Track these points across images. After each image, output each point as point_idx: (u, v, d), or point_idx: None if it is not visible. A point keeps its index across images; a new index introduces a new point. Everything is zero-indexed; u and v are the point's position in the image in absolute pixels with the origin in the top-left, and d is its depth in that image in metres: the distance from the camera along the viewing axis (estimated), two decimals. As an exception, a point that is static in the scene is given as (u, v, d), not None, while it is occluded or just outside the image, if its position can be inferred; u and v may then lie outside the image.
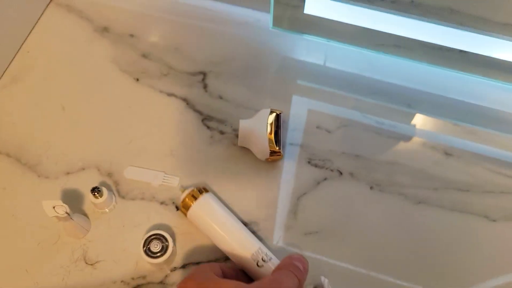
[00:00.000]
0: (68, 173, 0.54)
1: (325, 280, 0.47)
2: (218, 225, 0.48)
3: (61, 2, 0.66)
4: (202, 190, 0.50)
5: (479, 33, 0.57)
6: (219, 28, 0.65)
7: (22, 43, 0.63)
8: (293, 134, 0.57)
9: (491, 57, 0.59)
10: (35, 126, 0.57)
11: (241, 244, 0.47)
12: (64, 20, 0.65)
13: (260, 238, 0.50)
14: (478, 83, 0.63)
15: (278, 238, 0.51)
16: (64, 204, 0.46)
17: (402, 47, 0.63)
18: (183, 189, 0.51)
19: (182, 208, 0.50)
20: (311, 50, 0.64)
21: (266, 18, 0.66)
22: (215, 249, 0.50)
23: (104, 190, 0.50)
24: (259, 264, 0.46)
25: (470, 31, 0.57)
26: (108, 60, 0.62)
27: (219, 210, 0.49)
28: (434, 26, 0.58)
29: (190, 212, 0.49)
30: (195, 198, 0.49)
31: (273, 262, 0.47)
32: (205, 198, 0.50)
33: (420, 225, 0.52)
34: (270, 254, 0.47)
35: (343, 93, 0.61)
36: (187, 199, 0.49)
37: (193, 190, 0.50)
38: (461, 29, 0.57)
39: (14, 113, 0.58)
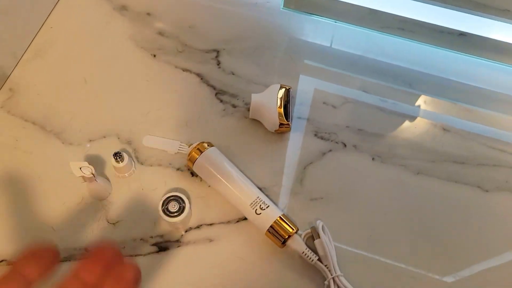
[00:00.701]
0: (90, 140, 0.58)
1: (320, 223, 0.51)
2: (221, 175, 0.53)
3: (81, -19, 0.70)
4: (208, 144, 0.54)
5: (479, 15, 0.60)
6: (231, 8, 0.69)
7: (46, 19, 0.66)
8: (300, 108, 0.61)
9: (489, 38, 0.63)
10: (59, 97, 0.61)
11: (241, 193, 0.52)
12: (84, -2, 0.69)
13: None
14: (475, 64, 0.66)
15: (285, 202, 0.55)
16: (90, 166, 0.50)
17: (406, 30, 0.66)
18: (190, 144, 0.55)
19: (189, 160, 0.54)
20: (318, 31, 0.68)
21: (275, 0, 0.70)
22: (227, 211, 0.54)
23: (125, 156, 0.54)
24: (257, 212, 0.50)
25: (470, 13, 0.61)
26: (126, 37, 0.65)
27: (222, 162, 0.54)
28: (437, 8, 0.61)
29: (195, 164, 0.53)
30: (201, 152, 0.53)
31: (271, 209, 0.51)
32: (209, 151, 0.54)
33: (418, 194, 0.56)
34: (268, 202, 0.51)
35: (348, 73, 0.64)
36: (193, 152, 0.54)
37: (198, 144, 0.54)
38: (462, 11, 0.61)
39: (38, 84, 0.61)
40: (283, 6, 0.69)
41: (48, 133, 0.58)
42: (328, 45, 0.67)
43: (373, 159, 0.58)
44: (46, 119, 0.59)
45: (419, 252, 0.53)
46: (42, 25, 0.66)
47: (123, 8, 0.68)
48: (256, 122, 0.59)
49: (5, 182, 0.55)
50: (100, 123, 0.59)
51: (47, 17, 0.66)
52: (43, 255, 0.33)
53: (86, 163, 0.50)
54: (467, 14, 0.62)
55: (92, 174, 0.50)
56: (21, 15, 0.62)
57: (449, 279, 0.52)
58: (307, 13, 0.69)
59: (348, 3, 0.65)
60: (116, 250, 0.34)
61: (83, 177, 0.50)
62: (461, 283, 0.52)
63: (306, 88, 0.63)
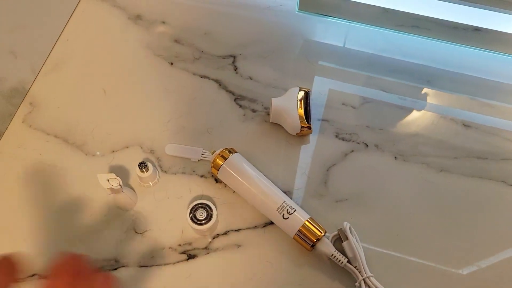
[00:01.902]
0: (113, 151, 0.58)
1: (347, 225, 0.51)
2: (246, 181, 0.53)
3: (94, -7, 0.70)
4: (231, 150, 0.54)
5: (493, 10, 0.60)
6: (245, 13, 0.69)
7: (61, 32, 0.66)
8: (320, 110, 0.61)
9: (504, 33, 0.63)
10: (79, 109, 0.61)
11: (267, 199, 0.52)
12: (98, 9, 0.69)
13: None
14: (492, 59, 0.66)
15: (311, 205, 0.55)
16: (117, 177, 0.50)
17: (420, 27, 0.66)
18: (213, 151, 0.55)
19: (213, 168, 0.54)
20: (331, 32, 0.68)
21: (287, 2, 0.70)
22: (254, 216, 0.54)
23: (150, 165, 0.54)
24: (284, 216, 0.51)
25: (484, 8, 0.61)
26: (143, 46, 0.66)
27: (246, 168, 0.54)
28: (450, 4, 0.61)
29: (220, 171, 0.53)
30: (225, 158, 0.53)
31: (299, 212, 0.51)
32: (233, 158, 0.54)
33: (442, 191, 0.56)
34: (295, 206, 0.52)
35: (366, 73, 0.64)
36: (217, 159, 0.54)
37: (222, 151, 0.54)
38: (476, 6, 0.61)
39: (58, 97, 0.62)
40: (298, 9, 0.69)
41: (70, 145, 0.58)
42: (343, 45, 0.67)
43: (395, 158, 0.58)
44: (68, 131, 0.59)
45: (447, 249, 0.53)
46: (58, 37, 0.66)
47: (137, 18, 0.68)
48: (277, 126, 0.60)
49: (31, 195, 0.55)
50: (122, 133, 0.59)
51: (63, 30, 0.67)
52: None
53: (113, 175, 0.50)
54: (481, 9, 0.62)
55: (120, 185, 0.50)
56: (37, 29, 0.63)
57: (477, 274, 0.52)
58: (322, 14, 0.69)
59: (361, 3, 0.65)
60: (81, 262, 0.33)
61: (110, 189, 0.50)
62: (488, 277, 0.52)
63: (325, 89, 0.63)
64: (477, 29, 0.66)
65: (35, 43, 0.63)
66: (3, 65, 0.62)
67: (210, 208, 0.52)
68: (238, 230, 0.54)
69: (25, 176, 0.56)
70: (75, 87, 0.63)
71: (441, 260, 0.52)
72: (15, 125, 0.60)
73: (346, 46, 0.67)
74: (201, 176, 0.57)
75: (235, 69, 0.64)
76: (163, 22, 0.68)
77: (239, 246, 0.53)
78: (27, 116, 0.60)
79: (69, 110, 0.61)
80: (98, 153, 0.58)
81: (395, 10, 0.65)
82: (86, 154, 0.58)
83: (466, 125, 0.61)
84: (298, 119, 0.57)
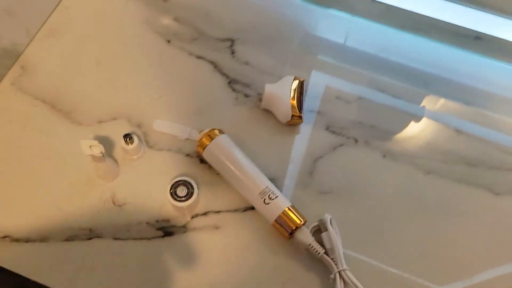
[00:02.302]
0: (100, 122, 0.57)
1: (328, 217, 0.50)
2: (231, 163, 0.52)
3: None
4: (219, 131, 0.54)
5: (496, 15, 0.60)
6: (248, -1, 0.69)
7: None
8: (313, 102, 0.61)
9: (505, 40, 0.63)
10: (71, 77, 0.60)
11: (250, 182, 0.51)
12: (101, -19, 0.68)
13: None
14: (490, 67, 0.65)
15: (294, 194, 0.54)
16: (100, 145, 0.49)
17: (422, 29, 0.66)
18: (201, 130, 0.54)
19: (198, 147, 0.53)
20: (333, 27, 0.67)
21: (293, -6, 0.69)
22: (235, 199, 0.53)
23: (135, 138, 0.53)
24: (265, 201, 0.50)
25: (487, 13, 0.61)
26: (142, 21, 0.65)
27: (233, 150, 0.53)
28: (454, 7, 0.61)
29: (206, 150, 0.53)
30: (211, 138, 0.53)
31: (280, 199, 0.50)
32: (220, 138, 0.53)
33: (428, 193, 0.56)
34: (277, 192, 0.51)
35: (363, 70, 0.64)
36: (203, 138, 0.53)
37: (209, 130, 0.53)
38: (479, 10, 0.61)
39: (50, 63, 0.61)
40: (302, -2, 0.68)
41: (58, 112, 0.58)
42: (343, 41, 0.67)
43: (384, 156, 0.58)
44: (57, 98, 0.58)
45: (424, 252, 0.52)
46: (58, 4, 0.65)
47: (139, -7, 0.67)
48: (268, 113, 0.59)
49: (13, 159, 0.54)
50: (110, 105, 0.58)
51: (63, -3, 0.66)
52: None
53: (96, 142, 0.49)
54: (484, 14, 0.62)
55: (102, 153, 0.49)
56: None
57: (454, 286, 0.51)
58: (325, 6, 0.68)
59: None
60: None
61: (92, 156, 0.49)
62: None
63: (320, 82, 0.62)
64: (478, 37, 0.66)
65: (33, 6, 0.62)
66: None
67: (192, 186, 0.51)
68: (218, 212, 0.53)
69: (8, 138, 0.55)
70: (69, 55, 0.62)
71: (416, 265, 0.52)
72: (3, 86, 0.59)
73: (346, 43, 0.66)
74: (187, 155, 0.56)
75: (232, 52, 0.64)
76: (165, 0, 0.67)
77: (217, 227, 0.52)
78: (17, 78, 0.59)
79: (61, 77, 0.60)
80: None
81: (398, 8, 0.65)
82: (72, 122, 0.57)
83: (458, 131, 0.60)
84: (290, 107, 0.56)
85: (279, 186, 0.54)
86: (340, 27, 0.67)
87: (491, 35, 0.64)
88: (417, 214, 0.54)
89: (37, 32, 0.63)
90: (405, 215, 0.54)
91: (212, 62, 0.63)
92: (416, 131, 0.60)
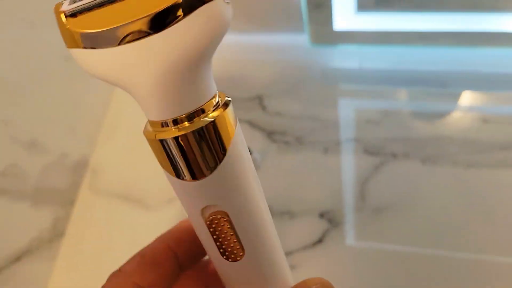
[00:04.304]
0: (170, 200, 0.65)
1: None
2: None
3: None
4: None
5: (498, 14, 0.65)
6: (263, 56, 0.76)
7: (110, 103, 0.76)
8: (346, 131, 0.67)
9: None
10: (136, 168, 0.69)
11: None
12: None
13: (336, 222, 0.60)
14: (501, 54, 0.70)
15: (351, 220, 0.60)
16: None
17: (427, 38, 0.72)
18: None
19: None
20: (345, 58, 0.74)
21: (299, 39, 0.76)
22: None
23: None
24: None
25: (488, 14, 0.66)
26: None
27: None
28: (454, 14, 0.66)
29: None
30: None
31: None
32: None
33: (473, 187, 0.60)
34: None
35: (383, 88, 0.70)
36: None
37: None
38: (481, 12, 0.66)
39: (116, 162, 0.70)
40: (311, 42, 0.75)
41: (132, 202, 0.66)
42: (357, 67, 0.73)
43: (423, 163, 0.63)
44: (128, 190, 0.67)
45: (493, 240, 0.56)
46: (108, 105, 0.75)
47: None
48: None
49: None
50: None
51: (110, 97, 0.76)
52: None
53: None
54: (483, 15, 0.67)
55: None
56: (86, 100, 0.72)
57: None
58: (332, 44, 0.75)
59: (368, 31, 0.72)
60: None
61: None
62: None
63: (347, 111, 0.69)
64: (482, 32, 0.70)
65: (88, 114, 0.72)
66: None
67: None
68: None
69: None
70: (130, 146, 0.71)
71: (488, 249, 0.56)
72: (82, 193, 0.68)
73: (361, 67, 0.73)
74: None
75: (263, 108, 0.71)
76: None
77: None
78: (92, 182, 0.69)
79: (127, 171, 0.69)
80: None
81: (401, 31, 0.71)
82: (147, 208, 0.66)
83: (484, 119, 0.65)
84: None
85: (338, 217, 0.60)
86: (351, 59, 0.74)
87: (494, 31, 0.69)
88: (468, 210, 0.59)
89: (97, 137, 0.73)
90: (458, 214, 0.59)
91: (247, 121, 0.70)
92: (445, 130, 0.65)
